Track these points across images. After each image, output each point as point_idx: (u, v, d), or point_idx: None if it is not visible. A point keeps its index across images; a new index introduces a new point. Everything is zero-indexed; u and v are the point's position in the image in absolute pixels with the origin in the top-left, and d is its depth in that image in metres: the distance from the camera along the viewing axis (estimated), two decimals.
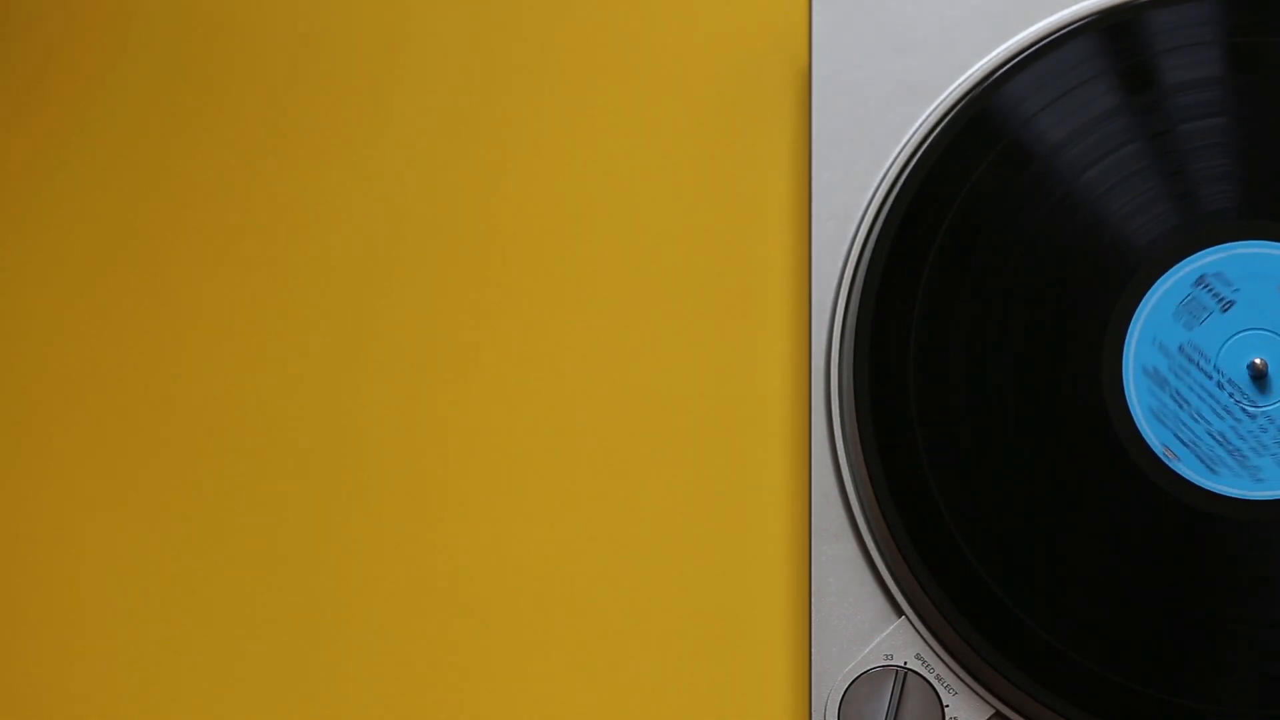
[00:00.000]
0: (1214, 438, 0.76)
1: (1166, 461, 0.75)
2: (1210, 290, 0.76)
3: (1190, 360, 0.76)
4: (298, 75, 0.87)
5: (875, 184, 0.80)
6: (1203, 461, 0.75)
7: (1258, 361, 0.76)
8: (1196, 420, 0.76)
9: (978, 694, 0.76)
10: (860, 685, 0.76)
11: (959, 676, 0.76)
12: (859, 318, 0.78)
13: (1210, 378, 0.76)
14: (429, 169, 0.86)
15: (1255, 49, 0.78)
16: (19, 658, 0.83)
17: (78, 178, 0.86)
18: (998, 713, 0.76)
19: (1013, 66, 0.79)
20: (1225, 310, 0.76)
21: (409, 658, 0.82)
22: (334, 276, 0.85)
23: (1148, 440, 0.76)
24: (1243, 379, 0.76)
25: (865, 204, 0.80)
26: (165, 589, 0.83)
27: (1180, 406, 0.76)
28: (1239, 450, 0.75)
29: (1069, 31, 0.79)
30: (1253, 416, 0.76)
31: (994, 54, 0.80)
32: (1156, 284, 0.77)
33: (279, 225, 0.86)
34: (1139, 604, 0.75)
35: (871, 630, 0.77)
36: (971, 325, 0.77)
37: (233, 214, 0.86)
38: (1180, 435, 0.75)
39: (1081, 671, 0.74)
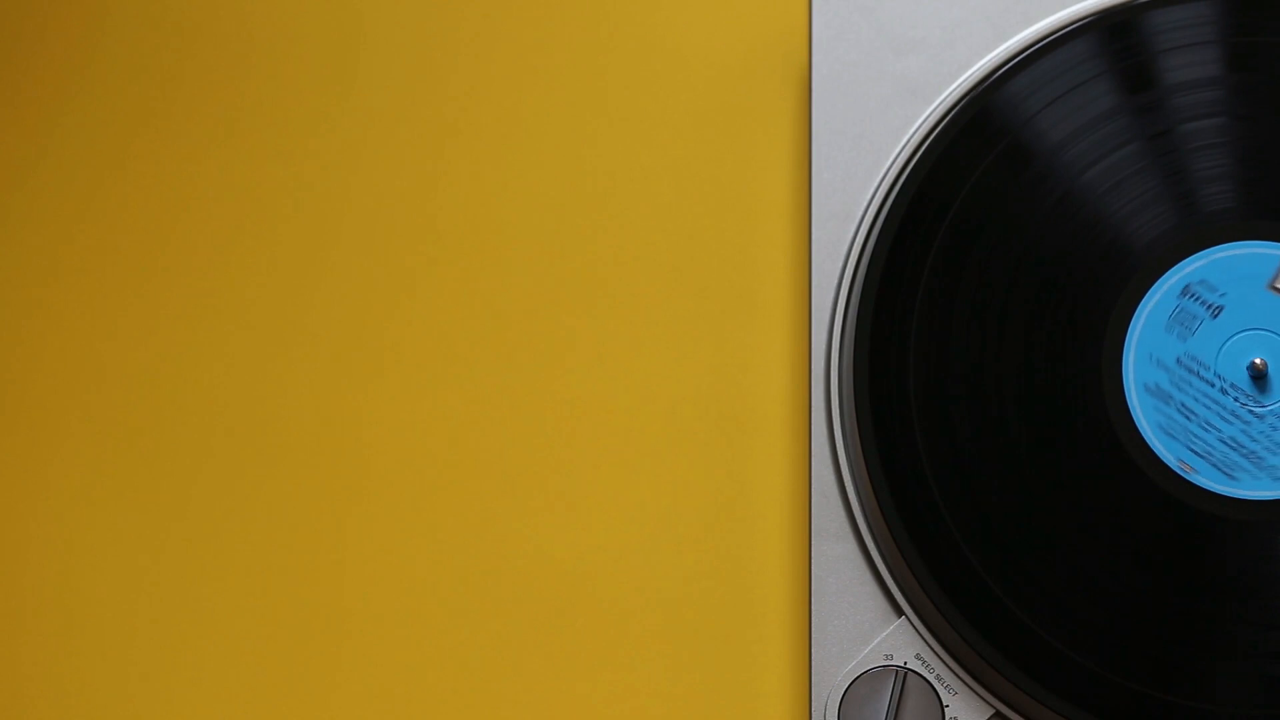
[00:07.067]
0: (1227, 444, 0.76)
1: (1184, 475, 0.75)
2: (1197, 299, 0.76)
3: (1190, 370, 0.76)
4: (296, 76, 0.87)
5: (875, 184, 0.80)
6: (1219, 469, 0.75)
7: (1258, 361, 0.76)
8: (1207, 429, 0.76)
9: (978, 694, 0.76)
10: (860, 685, 0.76)
11: (959, 676, 0.76)
12: (859, 318, 0.78)
13: (1213, 385, 0.76)
14: (429, 169, 0.86)
15: (1255, 49, 0.78)
16: (19, 658, 0.83)
17: (64, 175, 0.86)
18: (998, 713, 0.76)
19: (1013, 66, 0.79)
20: (1215, 316, 0.76)
21: (408, 657, 0.82)
22: (335, 277, 0.85)
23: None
24: (1244, 381, 0.76)
25: (865, 204, 0.80)
26: (164, 588, 0.83)
27: (1188, 419, 0.75)
28: (1255, 453, 0.75)
29: (1069, 31, 0.79)
30: (1261, 417, 0.76)
31: (994, 54, 0.80)
32: (1145, 299, 0.77)
33: (284, 226, 0.86)
34: (1139, 604, 0.75)
35: (871, 630, 0.77)
36: (971, 325, 0.77)
37: (243, 213, 0.86)
38: (1193, 447, 0.75)
39: (1081, 671, 0.74)
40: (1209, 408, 0.76)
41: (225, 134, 0.86)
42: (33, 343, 0.85)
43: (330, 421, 0.84)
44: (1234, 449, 0.75)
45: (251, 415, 0.84)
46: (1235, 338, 0.76)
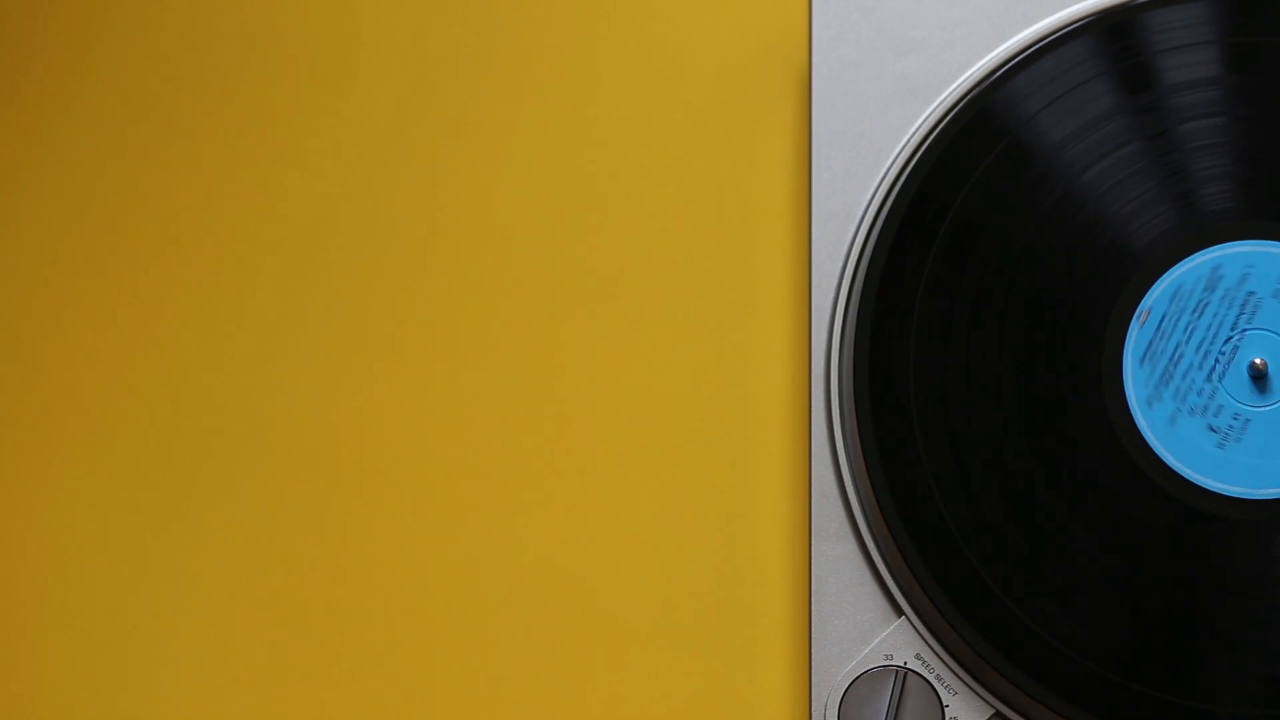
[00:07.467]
0: (1170, 360, 0.76)
1: (1135, 318, 0.75)
2: None
3: (1242, 306, 0.76)
4: (296, 76, 0.87)
5: (875, 184, 0.80)
6: (1146, 355, 0.76)
7: (1258, 361, 0.76)
8: (1185, 332, 0.76)
9: (978, 694, 0.76)
10: (860, 685, 0.76)
11: (959, 676, 0.76)
12: (859, 318, 0.78)
13: (1230, 328, 0.76)
14: (428, 169, 0.86)
15: (1255, 49, 0.78)
16: (19, 658, 0.83)
17: (63, 174, 0.86)
18: (998, 713, 0.76)
19: (1013, 66, 0.79)
20: None
21: (406, 658, 0.82)
22: (334, 277, 0.85)
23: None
24: (1243, 361, 0.76)
25: (865, 204, 0.80)
26: (163, 588, 0.83)
27: (1192, 313, 0.76)
28: (1170, 378, 0.76)
29: (1069, 31, 0.79)
30: (1210, 381, 0.76)
31: (994, 54, 0.80)
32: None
33: (284, 226, 0.86)
34: (1139, 604, 0.75)
35: (871, 630, 0.77)
36: (971, 325, 0.77)
37: (242, 213, 0.86)
38: (1163, 327, 0.76)
39: (1081, 671, 0.74)
40: (1206, 332, 0.76)
41: (225, 134, 0.86)
42: (32, 343, 0.85)
43: (329, 421, 0.84)
44: (1170, 367, 0.76)
45: (250, 415, 0.84)
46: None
